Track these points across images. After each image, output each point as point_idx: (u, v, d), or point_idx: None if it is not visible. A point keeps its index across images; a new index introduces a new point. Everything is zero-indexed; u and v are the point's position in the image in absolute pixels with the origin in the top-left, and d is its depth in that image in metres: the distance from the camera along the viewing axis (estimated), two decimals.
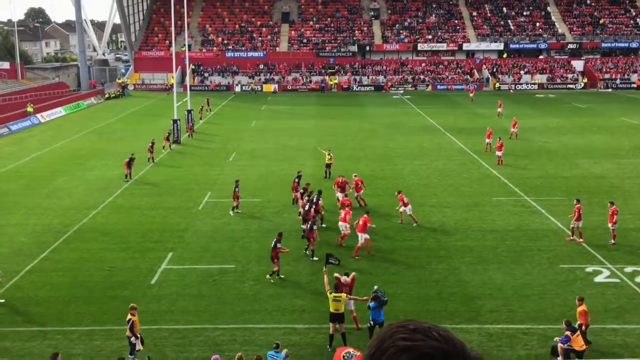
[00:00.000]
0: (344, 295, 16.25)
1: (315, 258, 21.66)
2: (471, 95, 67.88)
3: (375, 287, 16.79)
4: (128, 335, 15.35)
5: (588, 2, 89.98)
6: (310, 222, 22.33)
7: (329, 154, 33.14)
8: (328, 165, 32.99)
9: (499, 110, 54.80)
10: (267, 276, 20.16)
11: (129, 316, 15.43)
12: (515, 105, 62.72)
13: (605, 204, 27.75)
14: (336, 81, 79.59)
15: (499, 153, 35.66)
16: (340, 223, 23.40)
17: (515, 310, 18.01)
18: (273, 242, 20.35)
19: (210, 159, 38.79)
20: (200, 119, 53.75)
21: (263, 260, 21.63)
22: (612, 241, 23.20)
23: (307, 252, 22.25)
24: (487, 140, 38.93)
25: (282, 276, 20.24)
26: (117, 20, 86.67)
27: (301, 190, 26.40)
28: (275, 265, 20.08)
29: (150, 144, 37.53)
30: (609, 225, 23.28)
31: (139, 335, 15.36)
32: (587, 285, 19.61)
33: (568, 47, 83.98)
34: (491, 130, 39.72)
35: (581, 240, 23.23)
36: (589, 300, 18.50)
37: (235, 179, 27.95)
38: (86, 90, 77.63)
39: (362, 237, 22.00)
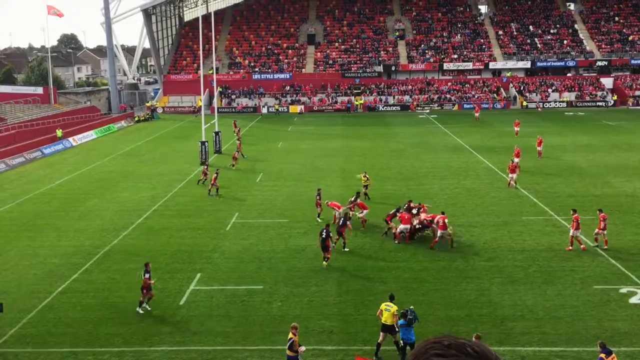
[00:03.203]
0: (394, 306, 16.37)
1: (346, 249, 24.46)
2: (476, 114, 65.70)
3: (411, 307, 16.61)
4: (288, 354, 15.29)
5: (616, 19, 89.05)
6: (343, 218, 25.01)
7: (364, 176, 33.11)
8: (365, 187, 32.82)
9: (516, 129, 54.20)
10: (324, 262, 22.78)
11: (290, 335, 15.43)
12: (545, 123, 62.07)
13: (637, 222, 27.25)
14: (362, 101, 79.77)
15: (512, 175, 34.45)
16: (402, 226, 25.65)
17: (547, 332, 17.64)
18: (324, 233, 22.62)
19: (237, 180, 39.06)
20: (238, 139, 53.77)
21: (290, 281, 21.67)
22: (605, 247, 23.76)
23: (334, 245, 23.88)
24: (516, 160, 38.44)
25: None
26: (147, 45, 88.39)
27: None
28: (329, 253, 22.65)
29: (205, 167, 37.60)
30: (601, 231, 23.72)
31: (299, 352, 15.30)
32: (621, 307, 19.15)
33: (597, 64, 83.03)
34: (519, 149, 39.28)
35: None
36: (624, 322, 18.09)
37: (318, 188, 30.25)
38: (116, 113, 79.09)
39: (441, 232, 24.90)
